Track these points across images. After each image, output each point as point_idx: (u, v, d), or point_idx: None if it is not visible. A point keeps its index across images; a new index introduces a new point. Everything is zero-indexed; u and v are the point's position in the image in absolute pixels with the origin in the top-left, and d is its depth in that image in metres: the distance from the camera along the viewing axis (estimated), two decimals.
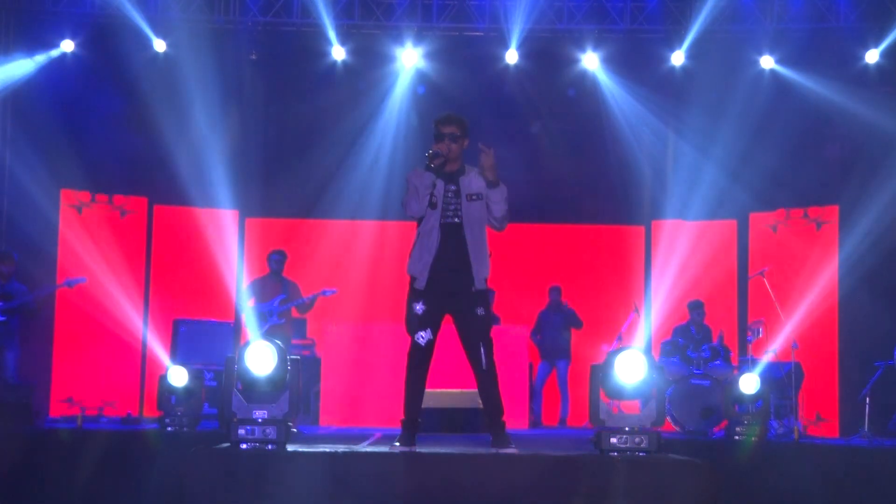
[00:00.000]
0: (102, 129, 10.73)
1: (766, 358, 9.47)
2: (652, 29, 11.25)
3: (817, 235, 11.21)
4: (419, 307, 5.64)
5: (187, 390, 7.74)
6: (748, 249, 11.64)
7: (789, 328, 9.76)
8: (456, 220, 5.67)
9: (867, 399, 8.95)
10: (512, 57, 11.27)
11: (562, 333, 11.11)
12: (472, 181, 5.72)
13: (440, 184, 5.66)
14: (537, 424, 10.76)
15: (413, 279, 5.68)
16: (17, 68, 10.63)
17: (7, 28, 10.78)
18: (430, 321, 5.65)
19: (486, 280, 5.70)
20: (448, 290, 5.64)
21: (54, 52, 10.86)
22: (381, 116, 11.68)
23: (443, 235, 5.65)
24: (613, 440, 5.12)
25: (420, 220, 5.72)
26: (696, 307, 10.47)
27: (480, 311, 5.65)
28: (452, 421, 8.70)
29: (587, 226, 12.33)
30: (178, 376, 7.75)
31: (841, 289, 10.89)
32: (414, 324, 5.66)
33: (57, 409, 10.61)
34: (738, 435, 7.69)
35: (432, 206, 5.64)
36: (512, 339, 10.25)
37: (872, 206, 10.44)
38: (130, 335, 11.19)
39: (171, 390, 7.74)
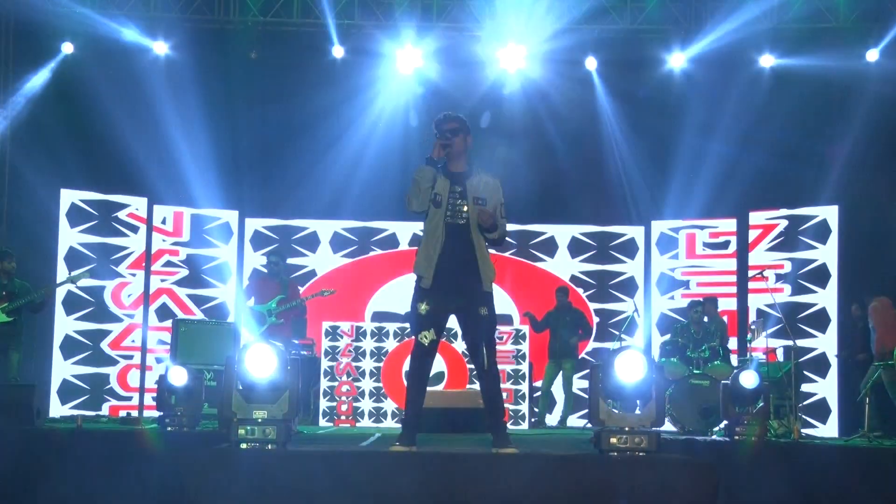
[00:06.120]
0: (102, 129, 10.73)
1: (765, 356, 9.47)
2: (652, 29, 11.25)
3: (817, 235, 11.21)
4: (423, 307, 5.62)
5: (187, 390, 7.73)
6: (748, 249, 11.65)
7: (789, 328, 9.76)
8: (461, 221, 5.64)
9: (867, 399, 8.94)
10: (512, 57, 11.26)
11: (570, 334, 11.11)
12: (479, 185, 5.69)
13: (445, 182, 5.63)
14: (541, 424, 10.77)
15: (419, 278, 5.66)
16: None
17: (7, 29, 10.78)
18: (433, 321, 5.62)
19: (492, 282, 5.69)
20: (455, 290, 5.61)
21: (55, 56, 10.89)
22: (380, 116, 11.68)
23: (448, 235, 5.62)
24: (613, 440, 5.11)
25: (425, 219, 5.69)
26: (696, 306, 10.47)
27: (485, 311, 5.63)
28: (452, 421, 8.70)
29: (587, 226, 12.33)
30: (178, 376, 7.75)
31: (839, 288, 10.89)
32: (418, 323, 5.65)
33: (57, 410, 10.63)
34: (738, 435, 7.68)
35: (436, 203, 5.61)
36: (512, 340, 10.29)
37: (872, 205, 10.45)
38: (130, 335, 11.21)
39: (171, 390, 7.73)
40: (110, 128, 10.71)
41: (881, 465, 6.77)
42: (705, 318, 10.37)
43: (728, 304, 11.55)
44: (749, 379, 7.69)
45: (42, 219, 10.74)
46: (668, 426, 9.28)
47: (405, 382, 5.81)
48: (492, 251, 5.81)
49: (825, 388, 11.03)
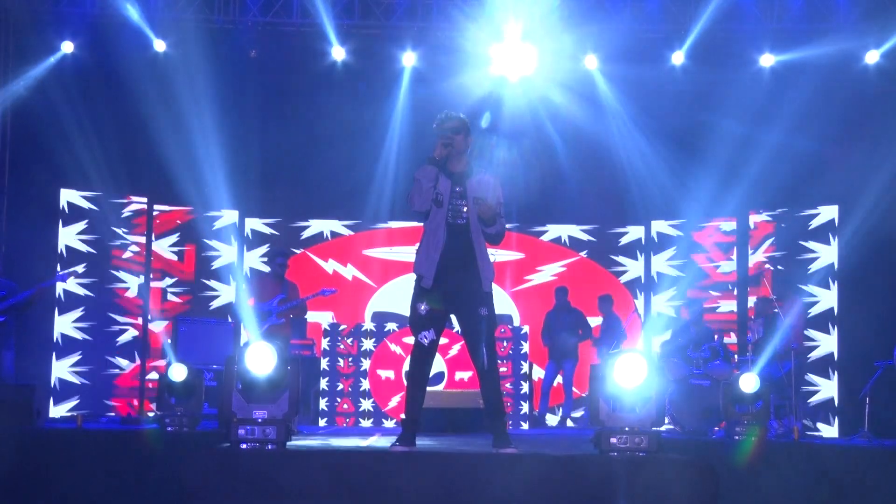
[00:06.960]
0: (102, 129, 10.72)
1: (765, 357, 9.47)
2: (652, 28, 11.23)
3: (817, 235, 11.21)
4: (423, 307, 5.62)
5: (187, 387, 7.72)
6: (748, 249, 11.64)
7: (789, 328, 9.75)
8: (461, 221, 5.64)
9: (867, 399, 8.94)
10: (512, 57, 11.25)
11: (570, 334, 11.12)
12: (479, 185, 5.68)
13: (447, 182, 5.63)
14: (541, 424, 10.78)
15: (420, 278, 5.65)
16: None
17: (7, 29, 10.77)
18: (433, 321, 5.62)
19: (491, 282, 5.69)
20: (454, 290, 5.61)
21: (55, 55, 10.87)
22: (380, 116, 11.68)
23: (449, 235, 5.62)
24: (613, 440, 5.11)
25: (426, 218, 5.68)
26: (695, 306, 10.48)
27: (485, 311, 5.63)
28: (452, 421, 8.70)
29: (587, 226, 12.33)
30: (178, 372, 7.74)
31: (840, 288, 10.89)
32: (418, 323, 5.64)
33: (57, 410, 10.63)
34: (738, 435, 7.68)
35: (438, 203, 5.61)
36: (512, 340, 10.29)
37: (871, 205, 10.43)
38: (130, 335, 11.19)
39: (171, 387, 7.73)
40: (110, 127, 10.70)
41: (881, 466, 6.77)
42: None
43: (728, 305, 11.55)
44: (749, 383, 7.69)
45: (41, 219, 10.72)
46: (668, 426, 9.28)
47: (405, 382, 5.81)
48: (491, 251, 5.81)
49: (830, 388, 11.01)
